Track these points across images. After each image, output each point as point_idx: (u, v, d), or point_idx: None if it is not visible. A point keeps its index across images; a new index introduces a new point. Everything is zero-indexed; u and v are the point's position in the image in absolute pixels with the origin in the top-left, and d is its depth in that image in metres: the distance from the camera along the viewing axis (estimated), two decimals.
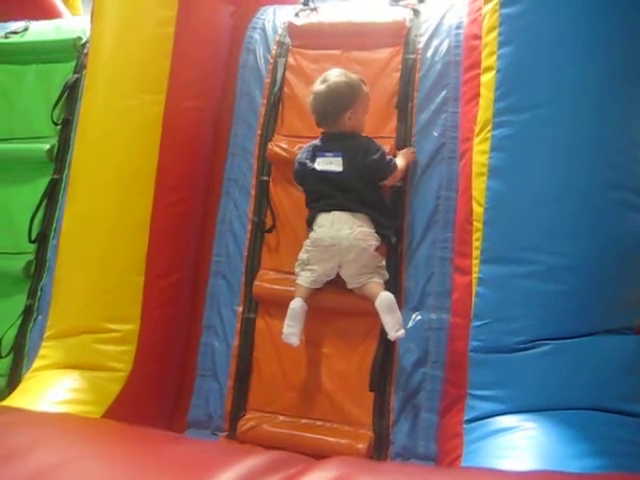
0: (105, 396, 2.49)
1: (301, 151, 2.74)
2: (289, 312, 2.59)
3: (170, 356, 2.80)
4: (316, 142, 2.71)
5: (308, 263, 2.66)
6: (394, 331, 2.47)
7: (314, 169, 2.64)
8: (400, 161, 2.70)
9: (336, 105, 2.63)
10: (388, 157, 2.66)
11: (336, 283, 2.69)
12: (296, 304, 2.59)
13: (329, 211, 2.61)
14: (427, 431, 2.53)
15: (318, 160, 2.64)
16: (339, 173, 2.60)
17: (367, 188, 2.61)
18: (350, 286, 2.64)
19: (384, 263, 2.66)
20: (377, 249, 2.62)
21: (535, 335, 2.15)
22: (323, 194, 2.63)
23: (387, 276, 2.64)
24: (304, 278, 2.66)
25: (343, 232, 2.56)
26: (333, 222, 2.59)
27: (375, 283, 2.59)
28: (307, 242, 2.68)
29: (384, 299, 2.49)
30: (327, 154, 2.63)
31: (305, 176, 2.69)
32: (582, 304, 2.13)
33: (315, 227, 2.65)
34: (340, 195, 2.59)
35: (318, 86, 2.67)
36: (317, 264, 2.64)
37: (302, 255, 2.69)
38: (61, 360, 2.60)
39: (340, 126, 2.65)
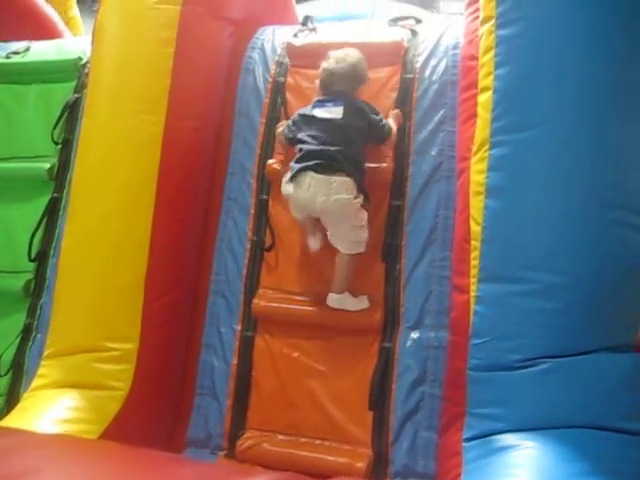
0: (104, 415, 2.49)
1: (301, 109, 2.81)
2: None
3: (169, 375, 2.80)
4: (317, 98, 2.78)
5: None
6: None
7: (314, 116, 2.70)
8: (393, 125, 2.79)
9: (353, 81, 2.76)
10: (385, 124, 2.75)
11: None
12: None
13: (307, 172, 2.62)
14: (426, 450, 2.53)
15: (317, 110, 2.72)
16: (339, 119, 2.66)
17: (359, 144, 2.68)
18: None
19: (364, 223, 2.67)
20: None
21: (534, 353, 2.16)
22: (308, 152, 2.64)
23: (365, 236, 2.67)
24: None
25: (318, 198, 2.59)
26: (310, 185, 2.61)
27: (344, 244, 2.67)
28: (285, 179, 2.71)
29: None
30: (328, 104, 2.71)
31: (301, 127, 2.73)
32: (580, 322, 2.14)
33: (294, 184, 2.65)
34: (326, 151, 2.61)
35: (330, 64, 2.76)
36: (294, 210, 2.73)
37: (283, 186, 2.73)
38: (60, 379, 2.60)
39: (348, 91, 2.75)
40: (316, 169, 2.60)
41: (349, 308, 2.69)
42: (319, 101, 2.76)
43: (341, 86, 2.75)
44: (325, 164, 2.59)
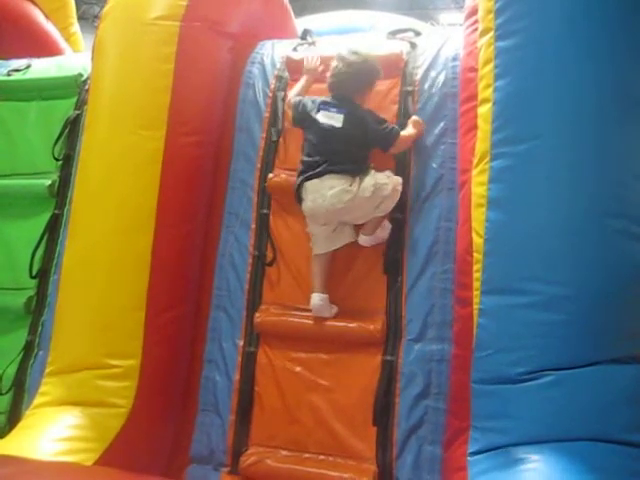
0: (106, 432, 2.48)
1: (308, 100, 2.82)
2: (313, 310, 2.74)
3: (171, 391, 2.79)
4: (324, 98, 2.80)
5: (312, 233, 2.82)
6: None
7: (316, 120, 2.74)
8: (407, 130, 2.78)
9: (355, 83, 2.77)
10: (390, 126, 2.73)
11: (339, 309, 2.76)
12: (314, 301, 2.73)
13: (303, 184, 2.71)
14: (431, 464, 2.51)
15: (322, 113, 2.74)
16: (338, 128, 2.69)
17: (357, 150, 2.71)
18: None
19: (383, 192, 2.69)
20: None
21: (537, 366, 2.15)
22: (304, 164, 2.73)
23: (389, 184, 2.68)
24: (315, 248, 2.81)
25: (317, 201, 2.66)
26: (308, 194, 2.69)
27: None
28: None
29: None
30: (332, 109, 2.73)
31: (305, 122, 2.80)
32: (584, 334, 2.13)
33: (301, 200, 2.75)
34: (319, 161, 2.68)
35: (351, 56, 2.76)
36: (314, 229, 2.79)
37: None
38: (62, 397, 2.59)
39: (353, 96, 2.77)
40: (310, 178, 2.67)
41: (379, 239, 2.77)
42: (326, 103, 2.77)
43: (344, 90, 2.77)
44: (318, 171, 2.67)
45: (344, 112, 2.71)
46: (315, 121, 2.75)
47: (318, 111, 2.76)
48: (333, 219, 2.73)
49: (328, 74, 2.82)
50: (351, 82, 2.76)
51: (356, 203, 2.65)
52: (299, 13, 4.50)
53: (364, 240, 2.77)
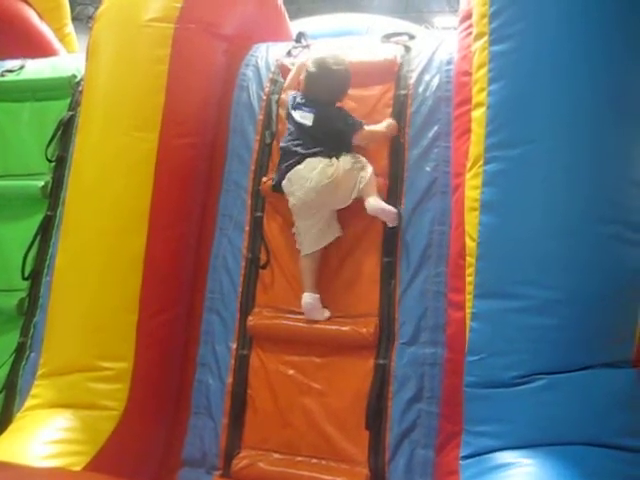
0: (98, 435, 2.47)
1: (291, 94, 2.95)
2: (305, 310, 2.75)
3: (164, 394, 2.78)
4: (299, 96, 2.91)
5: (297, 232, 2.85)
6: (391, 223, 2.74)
7: (292, 115, 2.87)
8: (376, 126, 2.86)
9: (329, 91, 2.87)
10: (352, 122, 2.82)
11: (331, 312, 2.77)
12: (305, 300, 2.74)
13: (288, 172, 2.79)
14: (423, 468, 2.51)
15: (297, 111, 2.86)
16: (309, 127, 2.81)
17: (332, 138, 2.80)
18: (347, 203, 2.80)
19: (361, 162, 2.79)
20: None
21: (530, 370, 2.15)
22: (286, 150, 2.84)
23: (369, 170, 2.76)
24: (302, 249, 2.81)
25: (305, 185, 2.73)
26: (293, 183, 2.77)
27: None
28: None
29: (370, 208, 2.72)
30: (304, 108, 2.85)
31: (287, 116, 2.93)
32: (576, 338, 2.14)
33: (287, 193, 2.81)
34: (300, 146, 2.79)
35: (313, 66, 2.86)
36: (301, 225, 2.81)
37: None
38: (53, 399, 2.58)
39: (324, 98, 2.87)
40: (290, 167, 2.78)
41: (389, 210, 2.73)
42: (299, 103, 2.88)
43: (315, 93, 2.86)
44: (297, 159, 2.78)
45: (314, 112, 2.82)
46: (291, 116, 2.87)
47: (294, 109, 2.87)
48: (322, 202, 2.74)
49: (302, 76, 2.92)
50: (322, 86, 2.85)
51: (340, 177, 2.72)
52: (294, 16, 4.50)
53: (373, 203, 2.72)
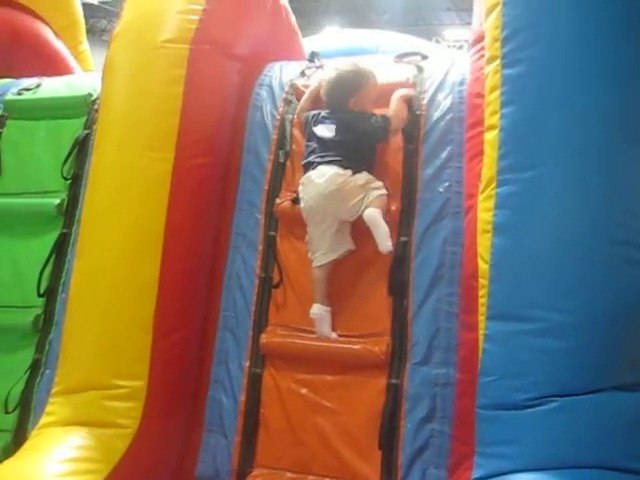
0: (112, 453, 2.48)
1: (311, 112, 2.99)
2: (313, 320, 2.79)
3: (178, 412, 2.79)
4: (322, 112, 2.95)
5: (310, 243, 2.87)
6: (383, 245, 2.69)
7: (314, 132, 2.91)
8: (393, 109, 2.91)
9: (342, 92, 2.91)
10: (377, 122, 2.85)
11: (343, 330, 2.77)
12: (314, 310, 2.78)
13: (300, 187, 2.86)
14: None
15: (319, 126, 2.91)
16: (332, 137, 2.86)
17: (356, 152, 2.84)
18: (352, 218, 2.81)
19: (377, 184, 2.81)
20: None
21: (542, 392, 2.15)
22: (308, 165, 2.87)
23: (382, 191, 2.79)
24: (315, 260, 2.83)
25: (313, 190, 2.79)
26: (305, 186, 2.83)
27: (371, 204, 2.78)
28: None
29: (366, 215, 2.74)
30: (326, 121, 2.91)
31: (308, 134, 2.97)
32: (589, 361, 2.14)
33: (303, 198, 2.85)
34: (320, 156, 2.84)
35: (329, 74, 2.97)
36: (312, 231, 2.83)
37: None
38: (68, 417, 2.60)
39: (345, 103, 2.91)
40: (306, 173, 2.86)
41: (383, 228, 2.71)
42: (321, 117, 2.93)
43: (332, 98, 2.93)
44: (313, 166, 2.84)
45: (335, 122, 2.87)
46: (313, 132, 2.91)
47: (315, 124, 2.90)
48: (328, 208, 2.77)
49: (322, 86, 2.98)
50: (339, 90, 2.91)
51: (348, 188, 2.76)
52: (304, 28, 4.52)
53: (370, 212, 2.74)
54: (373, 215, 2.72)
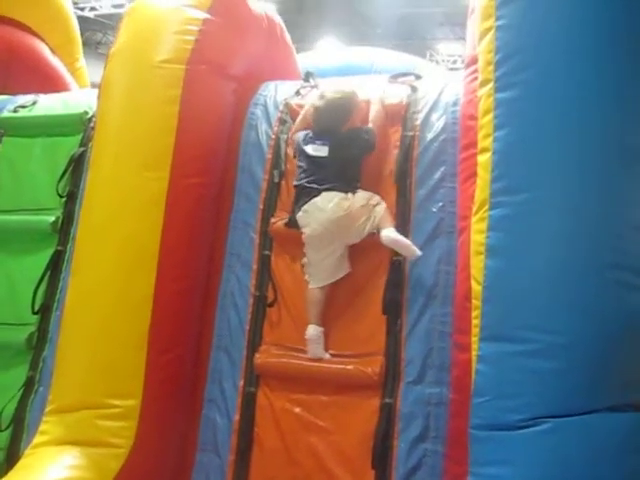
0: (105, 473, 2.50)
1: (301, 134, 3.01)
2: (308, 341, 2.79)
3: (171, 431, 2.80)
4: (310, 132, 2.98)
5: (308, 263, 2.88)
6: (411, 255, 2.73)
7: (305, 151, 2.93)
8: (372, 113, 2.98)
9: (335, 120, 2.94)
10: (367, 134, 2.91)
11: (337, 349, 2.78)
12: (309, 332, 2.78)
13: (305, 204, 2.85)
14: None
15: (309, 146, 2.93)
16: (325, 157, 2.88)
17: (348, 170, 2.89)
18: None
19: (376, 199, 2.85)
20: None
21: (536, 413, 2.16)
22: (302, 187, 2.89)
23: (383, 205, 2.83)
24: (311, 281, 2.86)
25: (321, 217, 2.79)
26: (309, 214, 2.83)
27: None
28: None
29: (384, 239, 2.74)
30: (317, 142, 2.93)
31: (298, 153, 2.99)
32: (581, 382, 2.15)
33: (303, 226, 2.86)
34: (316, 181, 2.85)
35: (317, 101, 2.99)
36: (313, 257, 2.86)
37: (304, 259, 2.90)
38: (61, 436, 2.60)
39: (336, 128, 2.95)
40: (308, 201, 2.83)
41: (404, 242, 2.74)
42: (310, 137, 2.96)
43: (326, 123, 2.95)
44: (314, 193, 2.84)
45: (327, 143, 2.89)
46: (304, 151, 2.93)
47: (306, 144, 2.92)
48: (336, 234, 2.80)
49: (309, 113, 3.00)
50: (332, 118, 2.94)
51: (355, 211, 2.78)
52: (299, 41, 4.55)
53: (388, 234, 2.75)
54: (390, 237, 2.73)
